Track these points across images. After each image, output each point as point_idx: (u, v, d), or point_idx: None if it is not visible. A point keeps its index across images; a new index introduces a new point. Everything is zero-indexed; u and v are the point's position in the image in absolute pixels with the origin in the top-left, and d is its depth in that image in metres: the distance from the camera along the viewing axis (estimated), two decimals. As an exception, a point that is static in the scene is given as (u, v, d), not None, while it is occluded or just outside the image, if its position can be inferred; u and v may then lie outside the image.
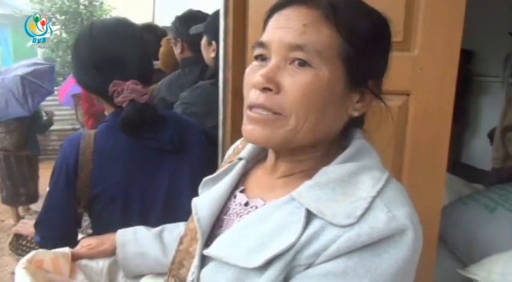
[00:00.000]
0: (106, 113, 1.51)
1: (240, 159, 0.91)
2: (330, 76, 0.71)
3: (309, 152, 0.78)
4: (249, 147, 0.92)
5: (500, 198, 2.08)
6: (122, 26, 1.47)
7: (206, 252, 0.77)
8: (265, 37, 0.76)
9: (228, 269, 0.72)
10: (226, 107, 1.70)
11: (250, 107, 0.74)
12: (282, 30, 0.73)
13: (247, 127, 0.75)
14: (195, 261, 0.80)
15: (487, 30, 3.28)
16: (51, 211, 1.40)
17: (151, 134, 1.44)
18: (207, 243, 0.80)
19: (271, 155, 0.84)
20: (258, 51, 0.76)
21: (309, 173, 0.77)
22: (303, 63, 0.71)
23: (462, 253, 2.07)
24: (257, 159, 0.92)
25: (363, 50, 0.73)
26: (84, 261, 1.16)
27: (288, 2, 0.76)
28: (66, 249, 1.12)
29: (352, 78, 0.74)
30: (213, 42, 2.01)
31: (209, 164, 1.54)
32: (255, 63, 0.77)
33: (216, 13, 1.85)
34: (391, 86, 1.43)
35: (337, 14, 0.72)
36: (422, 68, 1.41)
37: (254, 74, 0.74)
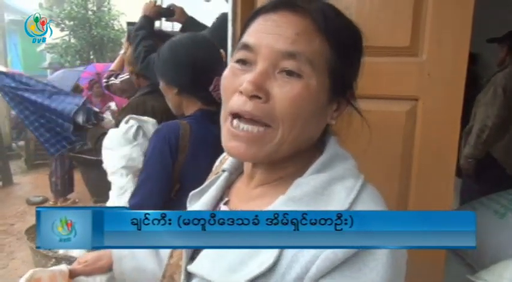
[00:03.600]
0: (187, 112, 1.66)
1: (224, 171, 0.90)
2: (318, 86, 0.70)
3: (287, 160, 0.76)
4: (231, 158, 0.90)
5: (510, 203, 2.06)
6: (203, 38, 1.73)
7: (189, 268, 0.77)
8: (251, 40, 0.72)
9: None
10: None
11: (235, 115, 0.71)
12: (271, 36, 0.70)
13: (231, 143, 0.72)
14: (181, 277, 0.80)
15: (493, 33, 3.30)
16: (153, 194, 1.52)
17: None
18: (194, 256, 0.79)
19: (247, 164, 0.82)
20: (241, 54, 0.73)
21: (285, 180, 0.76)
22: (292, 73, 0.68)
23: (472, 259, 2.05)
24: (240, 170, 0.90)
25: (346, 61, 0.73)
26: (81, 278, 1.14)
27: (277, 6, 0.73)
28: (64, 267, 1.12)
29: (335, 89, 0.73)
30: (221, 51, 2.01)
31: None
32: (236, 66, 0.73)
33: (221, 20, 1.85)
34: (399, 91, 1.45)
35: (328, 24, 0.71)
36: (430, 73, 1.41)
37: (237, 78, 0.72)
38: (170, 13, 2.64)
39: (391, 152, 1.46)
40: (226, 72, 0.75)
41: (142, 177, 1.54)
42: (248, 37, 0.73)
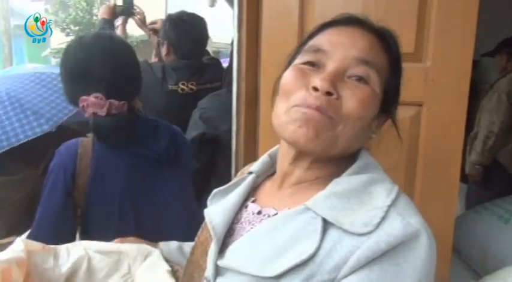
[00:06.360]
0: None
1: (250, 173, 0.92)
2: (379, 96, 0.77)
3: (329, 161, 0.79)
4: (259, 162, 0.93)
5: (514, 208, 2.07)
6: (93, 40, 1.45)
7: (220, 263, 0.78)
8: (325, 45, 0.77)
9: (243, 278, 0.73)
10: (240, 118, 1.71)
11: (303, 107, 0.74)
12: (347, 43, 0.76)
13: (293, 126, 0.73)
14: (210, 271, 0.80)
15: (491, 38, 3.31)
16: (44, 221, 1.34)
17: (147, 144, 1.45)
18: (220, 251, 0.81)
19: (283, 163, 0.84)
20: (312, 56, 0.78)
21: (319, 182, 0.79)
22: (361, 79, 0.74)
23: (476, 264, 2.05)
24: (266, 174, 0.93)
25: (398, 80, 0.81)
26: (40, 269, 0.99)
27: (349, 21, 0.80)
28: (22, 254, 0.96)
29: (384, 104, 0.79)
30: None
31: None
32: (304, 66, 0.78)
33: None
34: (404, 96, 1.43)
35: (391, 44, 0.80)
36: (434, 79, 1.41)
37: (305, 77, 0.76)
38: (128, 11, 2.73)
39: (395, 157, 1.47)
40: (290, 72, 0.79)
41: (38, 218, 1.34)
42: (321, 42, 0.79)
